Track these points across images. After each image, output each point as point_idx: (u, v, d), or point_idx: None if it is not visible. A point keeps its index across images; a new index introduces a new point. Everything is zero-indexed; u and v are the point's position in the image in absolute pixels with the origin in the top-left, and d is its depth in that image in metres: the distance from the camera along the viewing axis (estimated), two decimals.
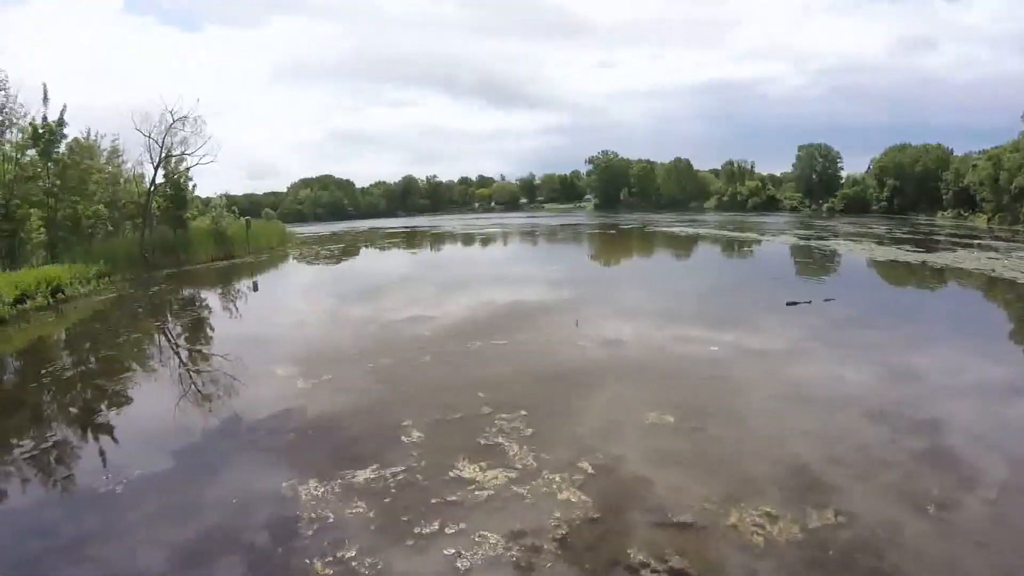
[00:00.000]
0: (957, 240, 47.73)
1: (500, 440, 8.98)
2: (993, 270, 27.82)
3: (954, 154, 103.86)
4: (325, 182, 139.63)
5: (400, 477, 7.99)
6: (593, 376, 12.32)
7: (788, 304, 18.70)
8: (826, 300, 19.41)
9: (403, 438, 9.22)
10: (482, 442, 8.94)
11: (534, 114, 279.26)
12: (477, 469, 8.07)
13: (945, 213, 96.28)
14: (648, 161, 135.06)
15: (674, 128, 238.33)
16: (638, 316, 18.68)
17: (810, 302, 18.93)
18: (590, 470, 8.00)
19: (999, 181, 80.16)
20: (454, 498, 7.38)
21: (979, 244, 43.69)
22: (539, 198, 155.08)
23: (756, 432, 9.39)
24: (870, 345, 14.59)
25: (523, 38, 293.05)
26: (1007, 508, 7.07)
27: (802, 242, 43.96)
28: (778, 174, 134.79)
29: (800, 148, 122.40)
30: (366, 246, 55.33)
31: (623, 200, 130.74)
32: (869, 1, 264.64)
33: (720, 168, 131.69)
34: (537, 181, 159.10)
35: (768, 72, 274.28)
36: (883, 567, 5.97)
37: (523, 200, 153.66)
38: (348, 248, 53.80)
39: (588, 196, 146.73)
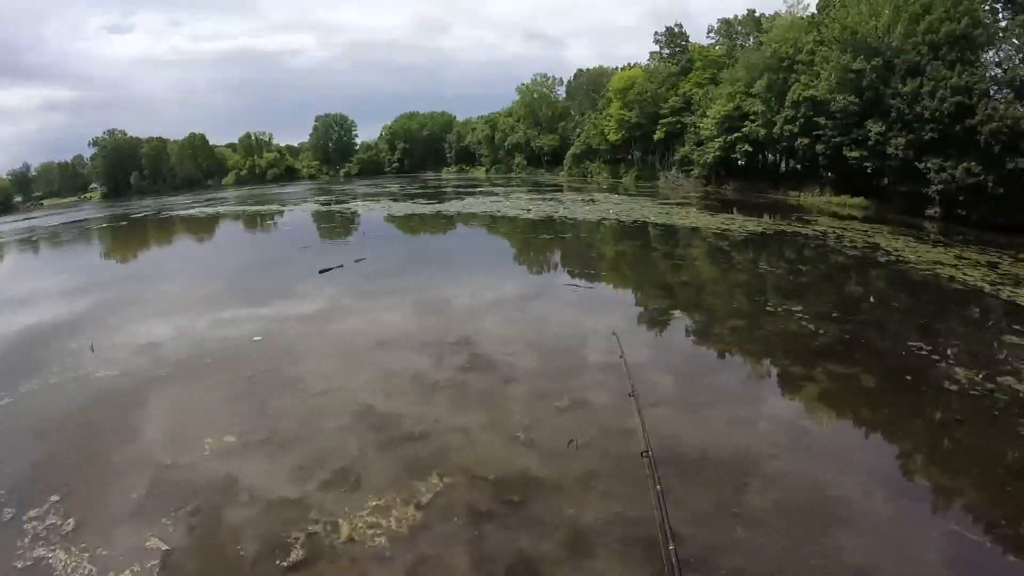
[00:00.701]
0: (464, 190, 53.91)
1: (41, 552, 6.27)
2: (498, 211, 32.09)
3: (457, 119, 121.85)
4: None
5: None
6: (130, 409, 9.77)
7: (321, 272, 18.35)
8: (357, 261, 19.71)
9: None
10: (19, 566, 6.13)
11: (32, 89, 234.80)
12: None
13: (450, 168, 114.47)
14: (159, 139, 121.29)
15: (196, 101, 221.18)
16: (171, 313, 15.91)
17: (342, 266, 18.94)
18: (164, 546, 6.20)
19: (495, 140, 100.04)
20: None
21: (481, 191, 50.07)
22: (36, 194, 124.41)
23: (324, 413, 8.89)
24: (402, 290, 15.35)
25: None
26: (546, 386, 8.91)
27: (324, 208, 44.20)
28: (296, 144, 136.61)
29: (317, 119, 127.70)
30: None
31: (135, 185, 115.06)
32: None
33: (238, 141, 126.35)
34: (33, 173, 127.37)
35: (295, 44, 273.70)
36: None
37: (18, 199, 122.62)
38: None
39: (94, 185, 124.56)
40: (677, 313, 13.07)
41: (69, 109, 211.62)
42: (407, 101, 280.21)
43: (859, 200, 41.32)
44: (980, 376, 9.85)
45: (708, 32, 62.82)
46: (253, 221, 40.77)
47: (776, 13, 53.65)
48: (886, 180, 41.42)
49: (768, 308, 13.19)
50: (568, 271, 18.21)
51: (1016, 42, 32.99)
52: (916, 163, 35.20)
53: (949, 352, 11.08)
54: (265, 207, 49.91)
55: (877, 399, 9.00)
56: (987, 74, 34.31)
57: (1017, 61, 32.95)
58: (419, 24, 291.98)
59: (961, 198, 33.10)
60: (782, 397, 8.94)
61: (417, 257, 21.62)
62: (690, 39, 65.18)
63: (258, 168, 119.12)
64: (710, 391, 9.18)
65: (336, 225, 33.40)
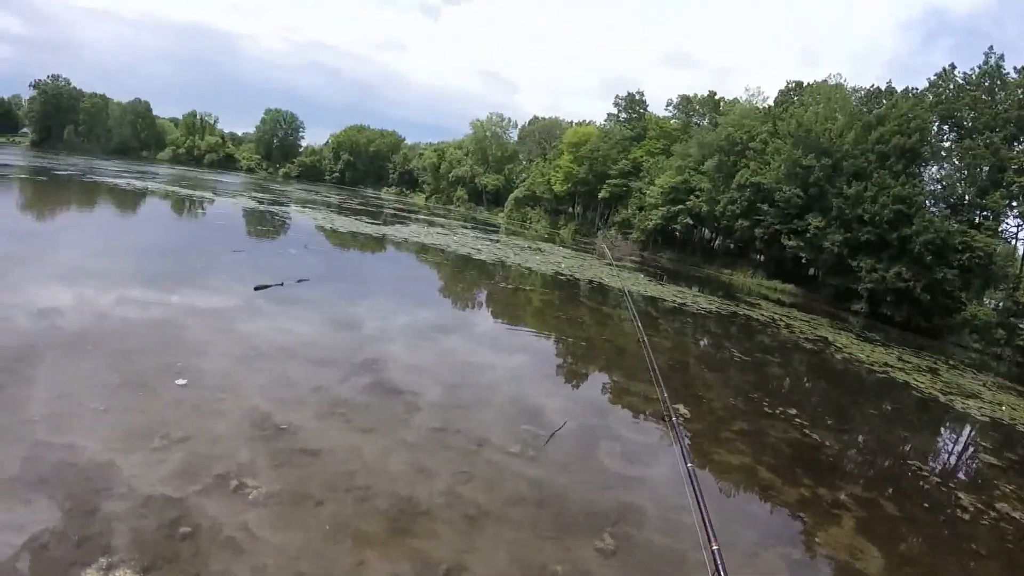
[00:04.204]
0: (405, 215, 52.53)
1: None
2: (448, 246, 31.21)
3: (405, 141, 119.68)
4: None
5: None
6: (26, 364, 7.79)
7: (257, 289, 14.32)
8: (299, 281, 15.86)
9: None
10: None
11: None
12: None
13: (390, 189, 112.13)
14: (102, 96, 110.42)
15: (145, 68, 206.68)
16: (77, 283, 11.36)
17: (282, 284, 15.07)
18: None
19: (440, 170, 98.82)
20: None
21: (422, 219, 49.04)
22: None
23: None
24: (355, 330, 12.59)
25: None
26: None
27: (261, 207, 39.65)
28: (240, 133, 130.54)
29: (267, 112, 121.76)
30: None
31: (67, 139, 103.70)
32: None
33: (181, 118, 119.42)
34: None
35: (251, 29, 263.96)
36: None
37: None
38: None
39: (25, 129, 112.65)
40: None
41: (17, 43, 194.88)
42: (352, 114, 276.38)
43: (790, 287, 42.51)
44: (982, 498, 9.74)
45: (667, 105, 64.42)
46: (186, 206, 36.12)
47: (736, 99, 55.66)
48: (813, 271, 43.38)
49: (775, 414, 12.56)
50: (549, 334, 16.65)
51: (956, 163, 35.51)
52: (850, 260, 36.80)
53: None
54: (199, 192, 45.79)
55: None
56: (926, 188, 36.71)
57: (955, 180, 35.46)
58: (380, 40, 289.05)
59: (888, 299, 34.72)
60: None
61: (366, 288, 18.55)
62: (648, 108, 66.61)
63: (197, 150, 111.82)
64: None
65: (274, 230, 29.62)
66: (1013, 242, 35.98)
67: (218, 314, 11.74)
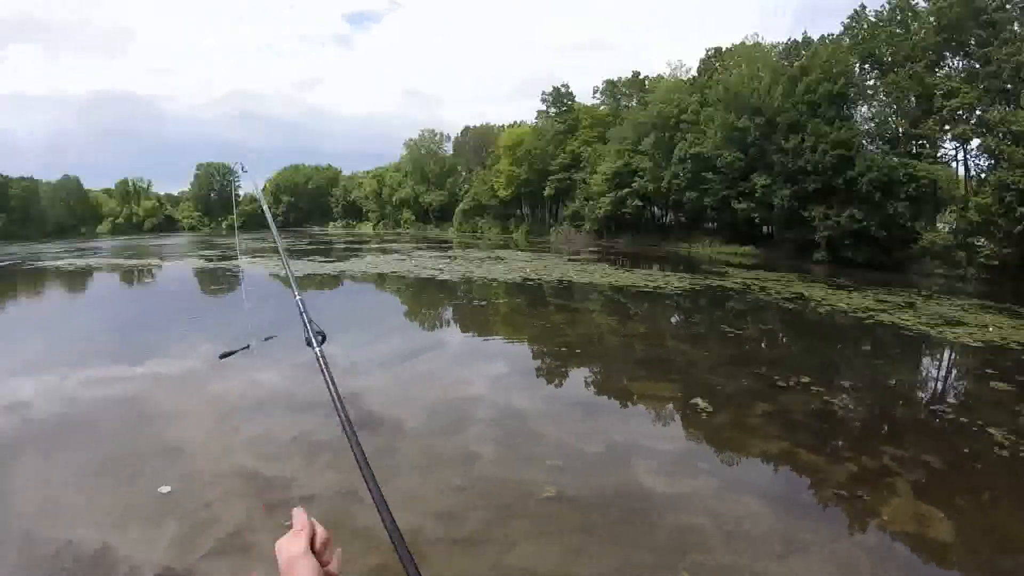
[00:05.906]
0: (356, 247, 51.54)
1: None
2: (408, 271, 30.75)
3: (343, 173, 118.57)
4: None
5: None
6: None
7: (222, 357, 12.79)
8: (267, 339, 14.58)
9: None
10: None
11: None
12: None
13: (336, 223, 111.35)
14: (31, 179, 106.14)
15: (69, 143, 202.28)
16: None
17: (248, 346, 13.58)
18: None
19: (382, 195, 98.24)
20: None
21: (375, 248, 48.25)
22: None
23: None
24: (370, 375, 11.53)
25: None
26: None
27: (210, 264, 38.74)
28: (176, 193, 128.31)
29: (199, 167, 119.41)
30: None
31: (1, 228, 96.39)
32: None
33: (114, 188, 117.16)
34: None
35: (169, 89, 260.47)
36: None
37: None
38: None
39: None
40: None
41: None
42: (286, 155, 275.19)
43: (748, 248, 42.80)
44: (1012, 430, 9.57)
45: (594, 93, 64.63)
46: (134, 277, 34.42)
47: (660, 76, 55.91)
48: (768, 229, 43.76)
49: (782, 384, 12.48)
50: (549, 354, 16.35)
51: (884, 98, 36.21)
52: (802, 211, 37.14)
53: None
54: (145, 260, 44.26)
55: None
56: (861, 128, 37.24)
57: (886, 115, 36.18)
58: (295, 79, 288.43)
59: (846, 242, 35.13)
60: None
61: (333, 326, 16.81)
62: (575, 98, 66.61)
63: (136, 217, 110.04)
64: None
65: (228, 287, 28.00)
66: (954, 164, 36.80)
67: (183, 381, 11.60)
